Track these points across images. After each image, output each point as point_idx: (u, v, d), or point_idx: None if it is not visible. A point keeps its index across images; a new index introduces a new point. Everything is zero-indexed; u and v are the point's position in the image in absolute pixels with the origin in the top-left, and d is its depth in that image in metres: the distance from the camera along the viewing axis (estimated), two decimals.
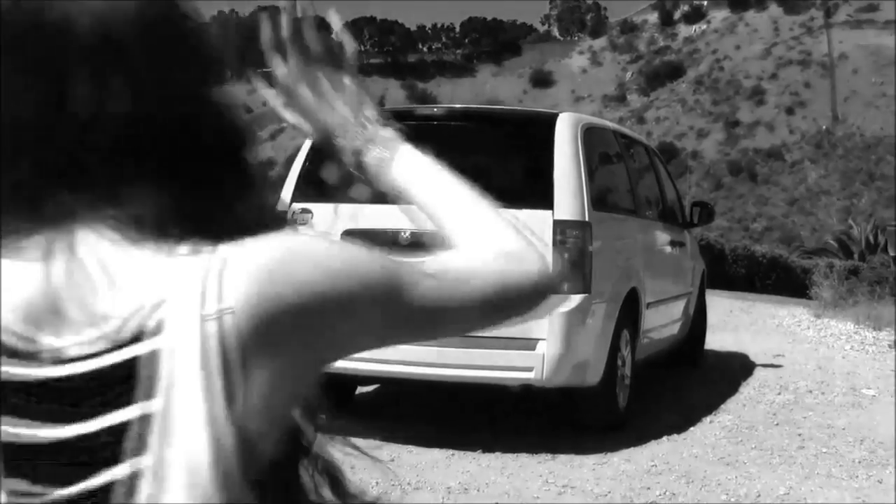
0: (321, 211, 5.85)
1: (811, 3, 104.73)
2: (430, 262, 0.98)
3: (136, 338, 0.82)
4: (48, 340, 0.82)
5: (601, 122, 7.31)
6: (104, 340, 0.82)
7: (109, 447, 0.81)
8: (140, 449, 0.81)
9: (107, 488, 0.81)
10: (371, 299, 0.90)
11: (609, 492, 4.87)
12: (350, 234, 5.59)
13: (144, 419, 0.81)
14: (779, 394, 7.23)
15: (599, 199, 5.87)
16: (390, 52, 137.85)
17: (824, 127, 76.81)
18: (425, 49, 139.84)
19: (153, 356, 0.81)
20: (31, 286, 0.84)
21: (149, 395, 0.81)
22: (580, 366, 5.50)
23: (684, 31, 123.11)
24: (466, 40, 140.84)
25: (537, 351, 5.35)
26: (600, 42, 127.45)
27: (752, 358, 8.63)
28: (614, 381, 5.85)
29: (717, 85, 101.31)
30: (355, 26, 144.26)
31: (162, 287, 0.83)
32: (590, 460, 5.29)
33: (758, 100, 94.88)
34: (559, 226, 5.48)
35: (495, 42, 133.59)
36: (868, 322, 10.46)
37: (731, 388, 7.30)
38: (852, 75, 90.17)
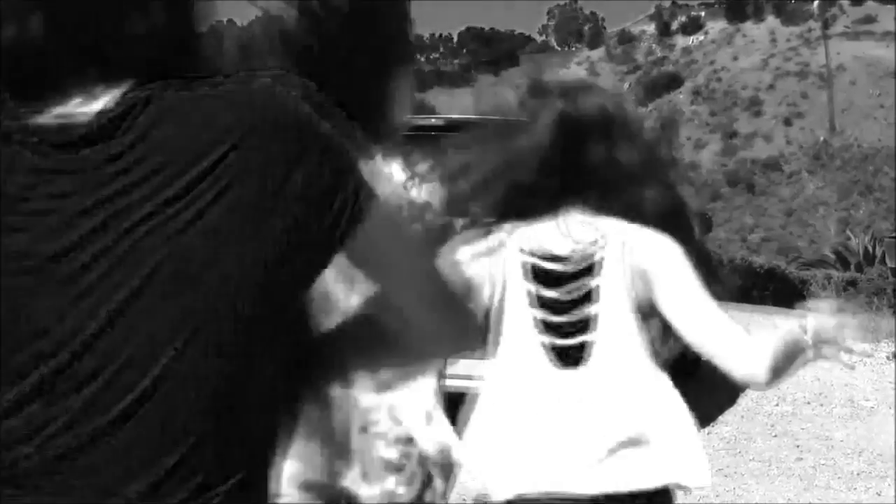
0: None
1: (809, 15, 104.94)
2: None
3: (595, 250, 1.97)
4: (558, 251, 1.98)
5: None
6: (582, 250, 1.98)
7: (586, 297, 1.96)
8: (595, 300, 1.96)
9: (587, 316, 1.95)
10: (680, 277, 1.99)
11: None
12: None
13: (596, 287, 1.96)
14: (777, 405, 7.21)
15: None
16: None
17: (822, 138, 76.86)
18: (423, 59, 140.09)
19: (601, 259, 1.97)
20: (552, 231, 2.00)
21: (599, 275, 1.96)
22: None
23: (682, 41, 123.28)
24: (464, 50, 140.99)
25: None
26: (598, 53, 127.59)
27: None
28: None
29: (715, 96, 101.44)
30: None
31: (604, 230, 1.99)
32: None
33: (755, 111, 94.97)
34: None
35: (493, 52, 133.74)
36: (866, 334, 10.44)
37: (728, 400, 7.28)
38: (850, 87, 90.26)
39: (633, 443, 1.89)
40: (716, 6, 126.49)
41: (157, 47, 0.99)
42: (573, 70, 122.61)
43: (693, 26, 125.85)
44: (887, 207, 48.65)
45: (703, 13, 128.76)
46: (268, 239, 0.93)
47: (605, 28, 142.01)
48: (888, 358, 9.25)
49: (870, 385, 8.00)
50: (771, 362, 1.91)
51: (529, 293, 1.96)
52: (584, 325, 1.94)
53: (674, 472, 1.92)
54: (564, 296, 1.96)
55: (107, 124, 0.94)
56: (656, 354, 2.03)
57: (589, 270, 1.96)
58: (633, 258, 1.95)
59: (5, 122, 0.95)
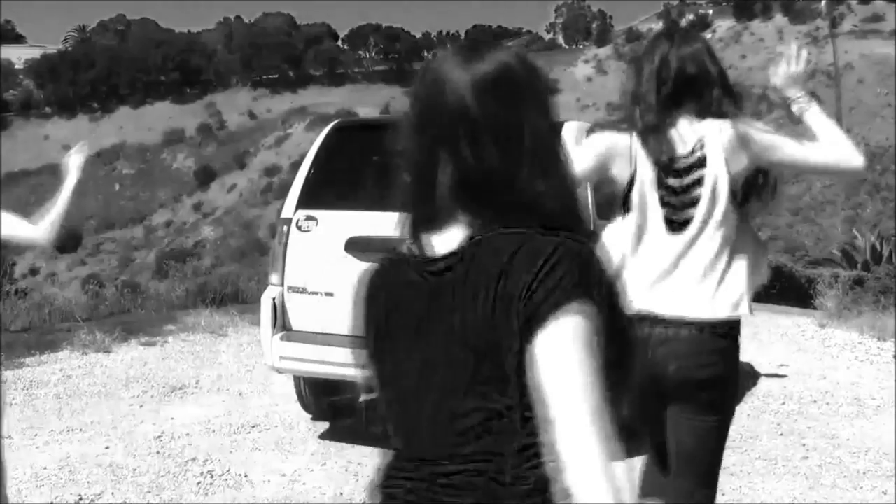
0: (326, 218, 5.83)
1: (817, 13, 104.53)
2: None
3: (702, 146, 2.89)
4: (678, 149, 2.91)
5: None
6: (693, 147, 2.89)
7: (697, 183, 2.88)
8: (705, 181, 2.87)
9: (696, 197, 2.89)
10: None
11: None
12: (353, 243, 5.58)
13: (704, 174, 2.87)
14: (783, 404, 7.21)
15: (606, 207, 5.85)
16: (396, 60, 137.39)
17: None
18: (431, 57, 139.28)
19: (706, 153, 2.88)
20: (671, 133, 2.94)
21: (706, 166, 2.87)
22: None
23: None
24: None
25: None
26: (605, 50, 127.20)
27: (756, 367, 8.61)
28: None
29: None
30: (360, 34, 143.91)
31: (706, 129, 2.90)
32: None
33: (763, 109, 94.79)
34: None
35: None
36: (873, 332, 10.41)
37: None
38: (857, 85, 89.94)
39: (711, 285, 2.87)
40: (724, 4, 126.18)
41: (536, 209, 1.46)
42: (580, 68, 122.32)
43: (701, 24, 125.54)
44: (894, 206, 48.48)
45: (710, 11, 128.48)
46: (505, 328, 1.39)
47: (612, 26, 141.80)
48: (894, 356, 9.23)
49: (876, 384, 7.99)
50: (848, 143, 2.93)
51: (655, 177, 2.88)
52: (692, 203, 2.86)
53: (733, 307, 2.92)
54: (680, 182, 2.87)
55: (457, 256, 1.46)
56: (750, 225, 2.97)
57: (700, 163, 2.85)
58: (734, 139, 2.84)
59: (408, 253, 1.53)
